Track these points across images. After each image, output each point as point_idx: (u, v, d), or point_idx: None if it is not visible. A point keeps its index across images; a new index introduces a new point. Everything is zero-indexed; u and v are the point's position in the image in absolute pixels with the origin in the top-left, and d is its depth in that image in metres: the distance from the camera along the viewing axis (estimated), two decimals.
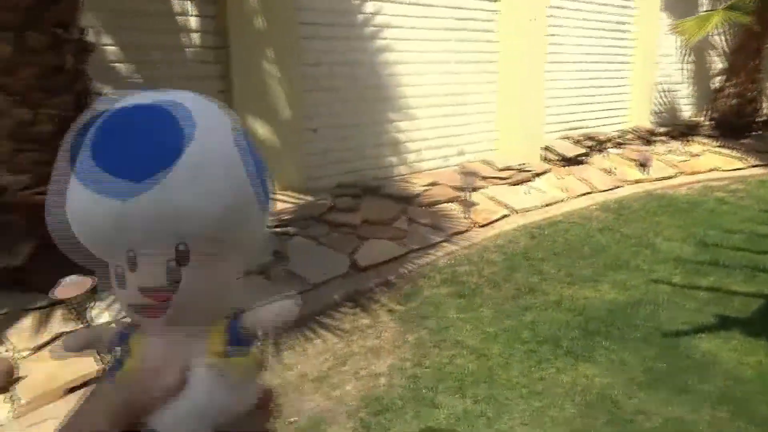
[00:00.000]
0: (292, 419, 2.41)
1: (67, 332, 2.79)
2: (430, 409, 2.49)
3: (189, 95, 0.43)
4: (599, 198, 5.74)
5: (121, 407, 0.43)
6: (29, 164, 2.92)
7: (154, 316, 0.43)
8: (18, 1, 2.80)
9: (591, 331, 3.15)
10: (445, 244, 4.39)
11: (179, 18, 4.15)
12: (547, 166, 6.26)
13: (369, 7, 5.09)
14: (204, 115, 0.42)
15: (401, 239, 4.33)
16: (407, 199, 5.01)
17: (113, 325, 0.47)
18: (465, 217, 4.86)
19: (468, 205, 4.93)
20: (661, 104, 8.31)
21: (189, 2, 4.16)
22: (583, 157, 6.63)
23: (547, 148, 6.50)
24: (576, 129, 7.18)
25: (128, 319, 0.48)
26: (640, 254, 4.30)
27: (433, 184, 5.42)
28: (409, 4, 5.33)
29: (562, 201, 5.60)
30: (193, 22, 4.21)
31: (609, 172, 6.43)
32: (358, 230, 4.32)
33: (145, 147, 0.39)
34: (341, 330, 3.16)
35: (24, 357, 2.62)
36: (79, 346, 0.46)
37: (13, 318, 2.83)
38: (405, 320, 3.27)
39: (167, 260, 0.41)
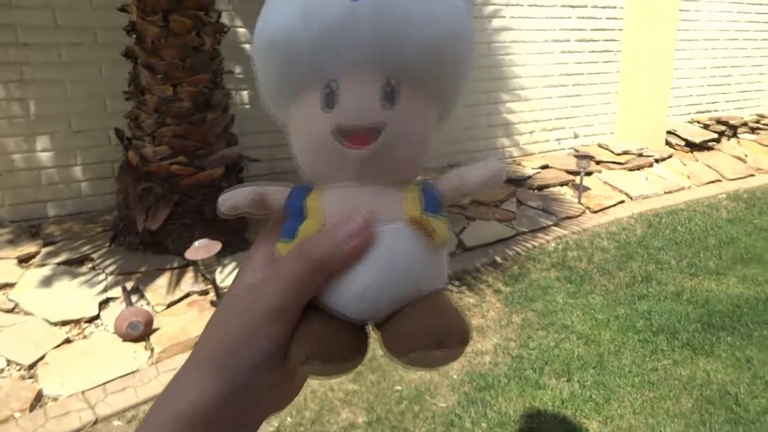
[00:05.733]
0: (396, 388, 2.50)
1: (197, 291, 3.07)
2: (534, 389, 2.48)
3: None
4: (729, 187, 5.30)
5: (296, 280, 0.36)
6: (169, 137, 3.19)
7: (360, 145, 0.36)
8: None
9: (713, 325, 2.95)
10: (554, 228, 4.29)
11: None
12: (670, 151, 5.87)
13: None
14: None
15: (509, 221, 4.28)
16: (517, 182, 4.93)
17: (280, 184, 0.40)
18: (577, 202, 4.70)
19: (581, 189, 4.76)
20: None
21: None
22: (712, 143, 6.13)
23: (671, 132, 6.09)
24: (705, 112, 6.67)
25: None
26: None
27: (544, 167, 5.29)
28: None
29: (685, 189, 5.24)
30: None
31: (741, 160, 5.91)
32: (466, 210, 4.33)
33: None
34: None
35: (158, 312, 2.90)
36: (238, 206, 0.38)
37: (149, 276, 3.12)
38: (511, 301, 3.24)
39: (377, 93, 0.36)
